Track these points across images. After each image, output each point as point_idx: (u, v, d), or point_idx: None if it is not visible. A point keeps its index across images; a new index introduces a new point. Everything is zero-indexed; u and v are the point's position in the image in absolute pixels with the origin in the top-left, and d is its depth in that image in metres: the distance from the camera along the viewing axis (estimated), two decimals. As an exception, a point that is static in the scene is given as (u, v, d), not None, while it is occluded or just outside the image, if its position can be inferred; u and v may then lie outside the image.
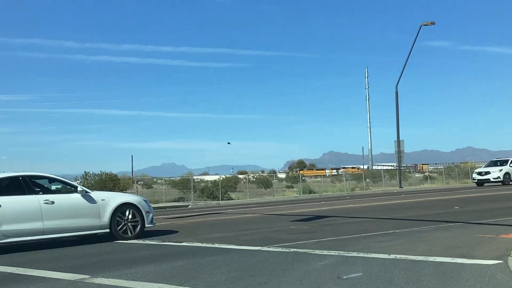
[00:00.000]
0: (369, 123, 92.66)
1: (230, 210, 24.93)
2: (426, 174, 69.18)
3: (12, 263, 9.66)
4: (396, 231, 12.26)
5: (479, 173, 41.99)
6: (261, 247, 10.37)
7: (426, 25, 43.73)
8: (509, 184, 38.74)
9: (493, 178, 40.15)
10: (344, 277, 7.16)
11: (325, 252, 9.29)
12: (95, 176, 39.65)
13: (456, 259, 8.20)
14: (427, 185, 51.40)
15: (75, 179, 53.44)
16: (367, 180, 53.09)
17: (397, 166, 50.29)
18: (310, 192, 42.35)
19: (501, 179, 39.70)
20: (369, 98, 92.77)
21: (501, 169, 40.40)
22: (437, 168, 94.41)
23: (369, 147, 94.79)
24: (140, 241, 12.38)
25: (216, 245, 11.04)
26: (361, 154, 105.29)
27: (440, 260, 8.13)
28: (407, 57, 45.75)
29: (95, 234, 12.71)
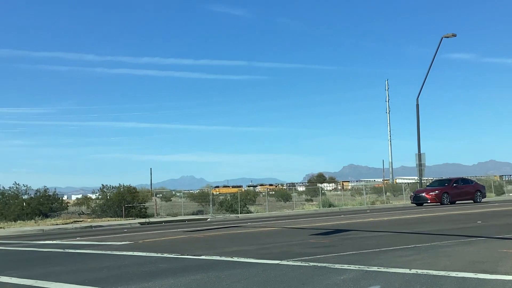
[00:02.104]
0: (390, 136, 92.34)
1: (249, 223, 24.91)
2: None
3: (31, 276, 9.73)
4: (417, 245, 12.15)
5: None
6: (280, 261, 10.34)
7: (447, 37, 43.50)
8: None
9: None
10: (360, 283, 7.11)
11: (345, 267, 9.23)
12: (113, 189, 39.90)
13: (478, 274, 8.11)
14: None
15: (93, 192, 53.93)
16: (388, 193, 52.76)
17: (418, 180, 49.92)
18: (329, 206, 42.21)
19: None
20: (389, 111, 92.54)
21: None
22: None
23: (390, 160, 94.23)
24: (159, 254, 12.41)
25: (235, 259, 11.03)
26: (382, 167, 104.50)
27: (462, 276, 8.04)
28: (428, 69, 45.47)
29: None
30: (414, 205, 37.72)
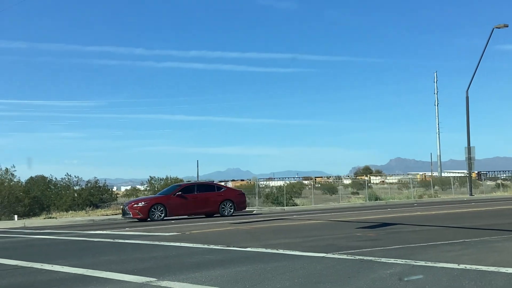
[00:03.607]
0: (438, 129, 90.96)
1: (294, 216, 24.89)
2: (499, 182, 66.97)
3: (83, 265, 9.94)
4: (466, 240, 11.93)
5: None
6: (325, 254, 10.31)
7: (499, 27, 42.55)
8: None
9: None
10: (406, 279, 7.03)
11: (392, 261, 9.14)
12: (161, 181, 40.47)
13: (529, 270, 7.92)
14: (499, 193, 49.85)
15: (141, 184, 54.76)
16: (436, 187, 51.95)
17: (467, 173, 48.97)
18: (376, 199, 41.84)
19: None
20: (438, 103, 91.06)
21: None
22: (510, 176, 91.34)
23: (438, 154, 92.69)
24: (205, 246, 12.53)
25: (281, 251, 11.04)
26: (429, 161, 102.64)
27: (512, 271, 7.87)
28: (478, 61, 44.70)
29: None
30: (465, 198, 36.79)
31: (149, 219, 24.24)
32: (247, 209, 31.13)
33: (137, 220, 24.59)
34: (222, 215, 25.75)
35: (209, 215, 26.22)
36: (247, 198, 35.23)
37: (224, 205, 26.25)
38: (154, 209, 24.52)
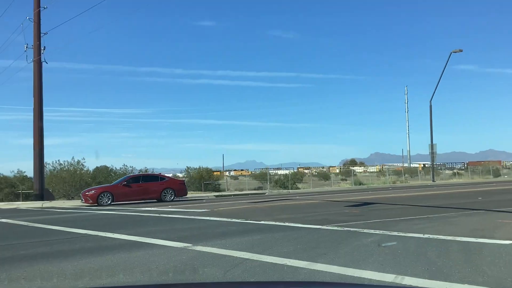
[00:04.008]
0: (408, 130, 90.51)
1: (297, 197, 24.86)
2: (455, 171, 66.32)
3: (136, 234, 10.02)
4: (429, 216, 11.85)
5: None
6: (321, 226, 10.29)
7: (455, 52, 42.21)
8: None
9: None
10: (383, 245, 7.00)
11: (372, 231, 9.10)
12: (195, 170, 40.52)
13: (479, 239, 7.85)
14: (455, 180, 49.37)
15: (181, 172, 54.91)
16: (406, 175, 51.54)
17: (430, 164, 48.60)
18: (360, 184, 41.67)
19: None
20: (408, 110, 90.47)
21: None
22: (464, 166, 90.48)
23: (408, 149, 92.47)
24: (228, 219, 12.55)
25: (287, 224, 11.05)
26: (401, 154, 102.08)
27: (465, 240, 7.80)
28: (439, 78, 44.65)
29: None
30: (429, 184, 36.60)
31: (96, 204, 22.62)
32: (260, 192, 31.09)
33: (88, 205, 22.95)
34: (164, 201, 23.71)
35: (150, 200, 24.18)
36: (260, 183, 34.95)
37: (165, 192, 24.34)
38: (102, 196, 23.10)
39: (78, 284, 5.67)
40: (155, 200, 24.15)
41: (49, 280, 5.84)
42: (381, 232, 8.99)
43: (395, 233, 8.77)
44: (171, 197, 24.36)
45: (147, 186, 24.29)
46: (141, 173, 31.38)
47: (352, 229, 9.61)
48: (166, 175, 28.45)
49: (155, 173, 30.80)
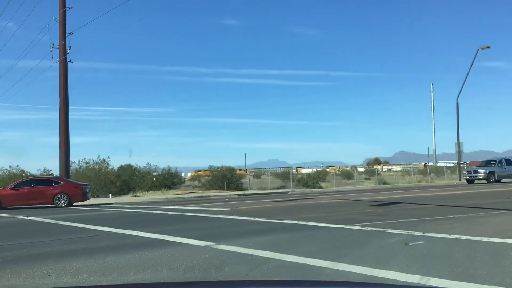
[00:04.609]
0: (434, 128, 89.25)
1: (320, 196, 24.74)
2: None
3: (159, 232, 10.10)
4: (456, 216, 11.65)
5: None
6: (344, 226, 10.22)
7: (482, 48, 41.46)
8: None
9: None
10: (409, 245, 6.91)
11: (396, 231, 9.00)
12: (218, 168, 40.72)
13: (506, 240, 7.68)
14: (482, 179, 48.44)
15: (204, 171, 55.21)
16: (432, 174, 50.78)
17: (457, 163, 47.79)
18: (384, 183, 41.24)
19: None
20: (434, 108, 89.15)
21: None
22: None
23: (434, 148, 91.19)
24: (251, 218, 12.56)
25: (310, 223, 11.00)
26: (427, 153, 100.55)
27: (493, 240, 7.65)
28: (466, 75, 43.94)
29: None
30: (455, 183, 35.94)
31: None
32: (283, 191, 30.94)
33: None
34: (58, 206, 22.09)
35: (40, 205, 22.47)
36: (283, 182, 34.63)
37: (58, 197, 22.55)
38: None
39: (106, 279, 5.76)
40: (48, 206, 22.45)
41: (78, 276, 5.95)
42: (406, 232, 8.87)
43: (421, 234, 8.64)
44: (64, 202, 22.55)
45: (38, 191, 22.66)
46: (34, 177, 29.44)
47: (376, 229, 9.51)
48: (64, 179, 25.27)
49: (52, 176, 29.29)
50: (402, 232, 8.89)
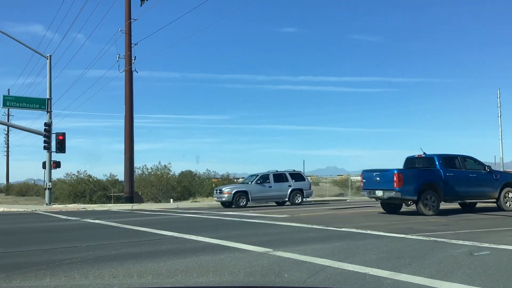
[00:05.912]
0: (501, 135, 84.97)
1: (379, 204, 24.17)
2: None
3: (218, 237, 10.23)
4: (525, 227, 11.05)
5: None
6: (405, 235, 9.96)
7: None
8: None
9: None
10: (473, 255, 6.63)
11: (460, 242, 8.66)
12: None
13: None
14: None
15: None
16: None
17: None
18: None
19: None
20: (501, 115, 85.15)
21: None
22: None
23: (501, 156, 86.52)
24: (309, 226, 12.50)
25: (368, 231, 10.81)
26: (493, 162, 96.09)
27: None
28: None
29: None
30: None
31: None
32: (341, 198, 30.34)
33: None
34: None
35: None
36: (341, 189, 33.74)
37: None
38: None
39: (171, 281, 5.93)
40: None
41: (144, 277, 6.17)
42: (470, 243, 8.52)
43: (486, 245, 8.27)
44: None
45: None
46: None
47: (438, 239, 9.20)
48: None
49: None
50: (466, 243, 8.54)
